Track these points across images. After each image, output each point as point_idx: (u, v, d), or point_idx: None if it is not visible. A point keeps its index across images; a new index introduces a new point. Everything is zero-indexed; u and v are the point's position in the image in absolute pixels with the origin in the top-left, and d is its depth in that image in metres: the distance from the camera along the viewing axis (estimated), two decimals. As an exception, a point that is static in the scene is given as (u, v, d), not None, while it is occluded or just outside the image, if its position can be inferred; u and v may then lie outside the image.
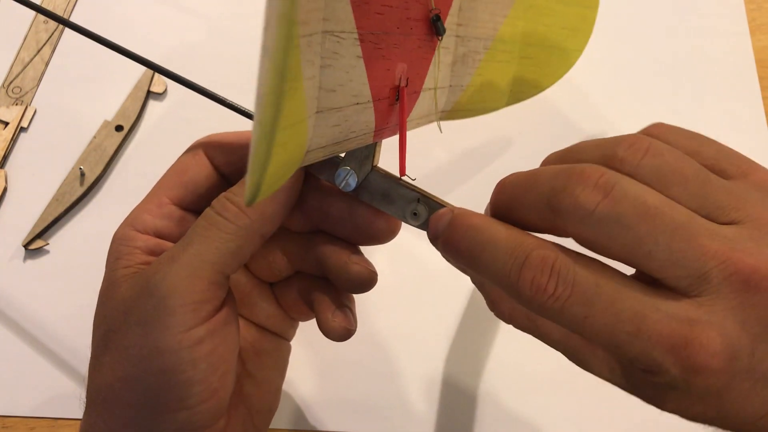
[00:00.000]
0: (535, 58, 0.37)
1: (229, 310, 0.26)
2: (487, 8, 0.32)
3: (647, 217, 0.19)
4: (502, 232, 0.21)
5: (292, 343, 0.33)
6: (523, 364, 0.36)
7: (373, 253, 0.40)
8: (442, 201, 0.25)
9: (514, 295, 0.20)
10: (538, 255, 0.20)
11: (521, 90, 0.38)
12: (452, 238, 0.22)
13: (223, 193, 0.26)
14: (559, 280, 0.19)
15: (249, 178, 0.16)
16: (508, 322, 0.24)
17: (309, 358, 0.37)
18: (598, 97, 0.45)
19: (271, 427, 0.35)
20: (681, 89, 0.45)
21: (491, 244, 0.21)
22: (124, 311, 0.24)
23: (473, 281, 0.25)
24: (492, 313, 0.25)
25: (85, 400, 0.26)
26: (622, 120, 0.44)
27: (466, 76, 0.32)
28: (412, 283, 0.39)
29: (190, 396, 0.24)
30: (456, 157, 0.43)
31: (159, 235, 0.27)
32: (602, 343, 0.19)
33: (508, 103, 0.38)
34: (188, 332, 0.23)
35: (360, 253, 0.28)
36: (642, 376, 0.20)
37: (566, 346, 0.23)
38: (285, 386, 0.35)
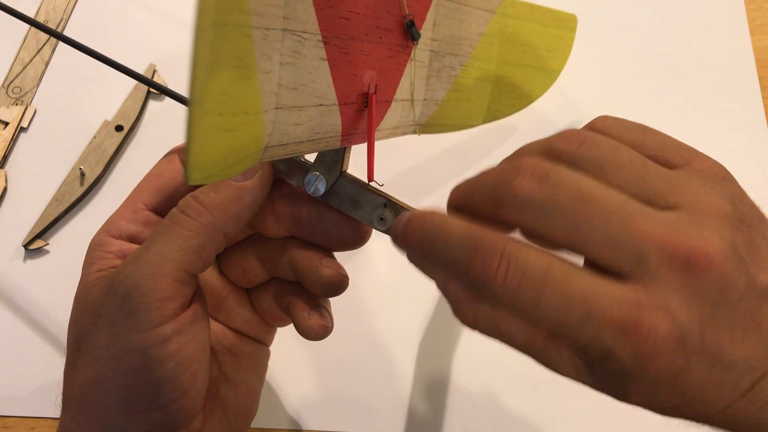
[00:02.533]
0: (512, 77, 0.38)
1: (197, 308, 0.25)
2: (462, 26, 0.32)
3: (582, 201, 0.19)
4: (454, 223, 0.21)
5: (291, 343, 0.33)
6: (522, 364, 0.36)
7: (372, 253, 0.40)
8: (408, 206, 0.26)
9: (466, 283, 0.20)
10: (488, 241, 0.20)
11: (498, 108, 0.39)
12: (408, 231, 0.22)
13: (190, 193, 0.26)
14: (510, 264, 0.19)
15: (186, 154, 0.16)
16: (472, 327, 0.24)
17: (307, 358, 0.37)
18: (597, 98, 0.45)
19: (270, 427, 0.35)
20: (681, 89, 0.45)
21: (444, 233, 0.21)
22: (93, 314, 0.25)
23: (438, 287, 0.25)
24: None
25: (60, 404, 0.26)
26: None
27: (440, 91, 0.32)
28: (411, 283, 0.38)
29: (161, 395, 0.24)
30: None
31: (134, 240, 0.27)
32: (555, 329, 0.20)
33: (485, 121, 0.38)
34: (154, 330, 0.23)
35: (332, 257, 0.28)
36: (600, 367, 0.20)
37: (531, 349, 0.23)
38: (284, 386, 0.35)
